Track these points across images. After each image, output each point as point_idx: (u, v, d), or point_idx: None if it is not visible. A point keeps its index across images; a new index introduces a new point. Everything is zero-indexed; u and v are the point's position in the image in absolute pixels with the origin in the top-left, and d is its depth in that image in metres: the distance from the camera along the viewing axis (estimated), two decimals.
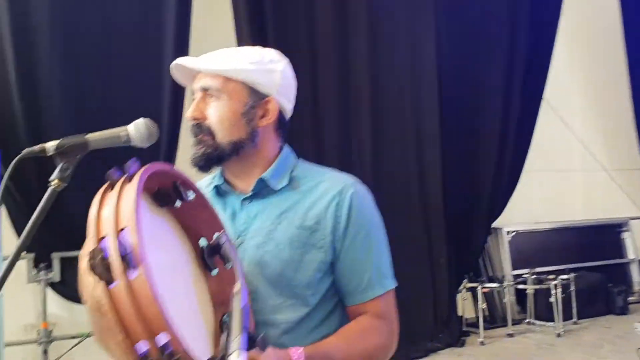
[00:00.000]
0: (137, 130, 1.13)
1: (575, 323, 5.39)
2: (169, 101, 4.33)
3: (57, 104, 4.10)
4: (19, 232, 4.08)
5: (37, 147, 1.09)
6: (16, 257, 1.05)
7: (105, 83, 4.22)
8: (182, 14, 4.37)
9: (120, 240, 0.82)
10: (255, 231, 1.23)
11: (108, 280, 0.81)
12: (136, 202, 0.86)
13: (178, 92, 4.26)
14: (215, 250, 1.10)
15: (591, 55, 6.64)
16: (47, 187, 1.01)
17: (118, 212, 0.87)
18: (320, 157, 4.58)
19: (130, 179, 0.93)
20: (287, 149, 1.32)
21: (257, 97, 1.23)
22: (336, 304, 1.27)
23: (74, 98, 4.14)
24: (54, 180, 1.07)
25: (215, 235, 1.12)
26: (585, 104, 6.70)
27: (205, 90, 1.23)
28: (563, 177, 6.51)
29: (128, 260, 0.81)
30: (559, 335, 5.07)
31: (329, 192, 1.25)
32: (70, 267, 4.25)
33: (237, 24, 4.57)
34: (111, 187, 0.94)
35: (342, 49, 5.00)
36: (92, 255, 0.83)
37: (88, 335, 4.15)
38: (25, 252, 4.15)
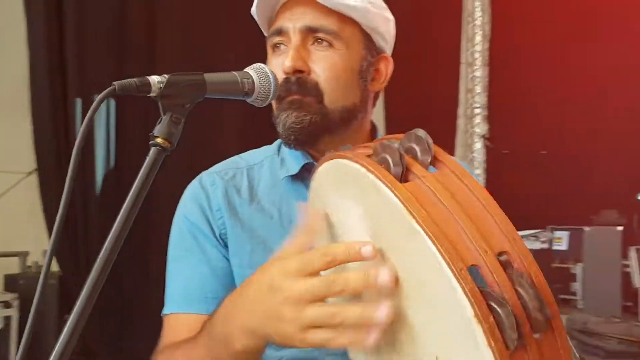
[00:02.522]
0: (261, 79, 0.81)
1: None
2: None
3: None
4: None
5: (135, 81, 0.70)
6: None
7: None
8: None
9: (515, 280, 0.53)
10: None
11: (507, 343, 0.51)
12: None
13: None
14: None
15: None
16: None
17: (479, 225, 0.54)
18: None
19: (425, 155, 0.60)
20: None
21: (372, 52, 0.97)
22: None
23: None
24: (160, 137, 0.70)
25: None
26: None
27: (313, 31, 0.91)
28: None
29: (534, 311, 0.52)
30: None
31: None
32: None
33: None
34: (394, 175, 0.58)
35: None
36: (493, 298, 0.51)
37: None
38: None
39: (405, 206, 0.54)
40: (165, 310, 0.95)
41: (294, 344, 0.64)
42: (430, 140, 0.60)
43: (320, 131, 0.93)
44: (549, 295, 0.53)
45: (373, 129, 1.04)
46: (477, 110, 5.79)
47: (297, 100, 0.91)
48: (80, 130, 0.66)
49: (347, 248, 0.60)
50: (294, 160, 0.97)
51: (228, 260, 0.94)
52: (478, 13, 5.72)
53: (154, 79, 0.70)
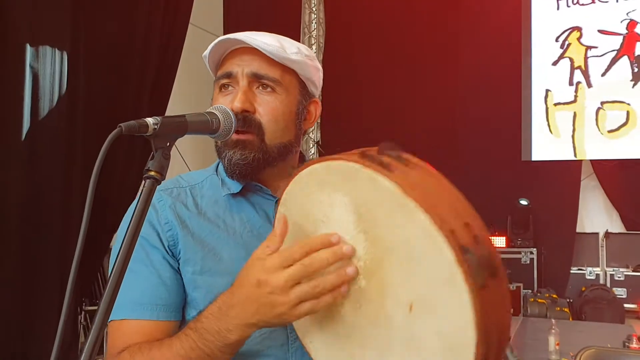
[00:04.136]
0: (225, 118, 0.95)
1: None
2: None
3: None
4: None
5: (135, 123, 0.80)
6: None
7: None
8: None
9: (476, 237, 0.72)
10: None
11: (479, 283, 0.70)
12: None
13: None
14: None
15: None
16: None
17: (450, 204, 0.73)
18: None
19: (401, 159, 0.77)
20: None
21: (306, 96, 1.12)
22: None
23: None
24: (154, 170, 0.81)
25: None
26: None
27: (258, 78, 1.05)
28: None
29: (491, 262, 0.72)
30: None
31: None
32: None
33: None
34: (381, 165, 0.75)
35: None
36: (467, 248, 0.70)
37: None
38: None
39: (401, 189, 0.72)
40: (113, 316, 0.99)
41: (289, 320, 0.85)
42: (400, 150, 0.80)
43: (261, 165, 1.07)
44: (496, 253, 0.74)
45: (301, 156, 1.19)
46: None
47: (241, 141, 1.04)
48: (93, 172, 0.73)
49: (320, 238, 0.81)
50: (233, 182, 1.10)
51: (175, 270, 1.04)
52: (314, 26, 6.12)
53: (149, 121, 0.80)
